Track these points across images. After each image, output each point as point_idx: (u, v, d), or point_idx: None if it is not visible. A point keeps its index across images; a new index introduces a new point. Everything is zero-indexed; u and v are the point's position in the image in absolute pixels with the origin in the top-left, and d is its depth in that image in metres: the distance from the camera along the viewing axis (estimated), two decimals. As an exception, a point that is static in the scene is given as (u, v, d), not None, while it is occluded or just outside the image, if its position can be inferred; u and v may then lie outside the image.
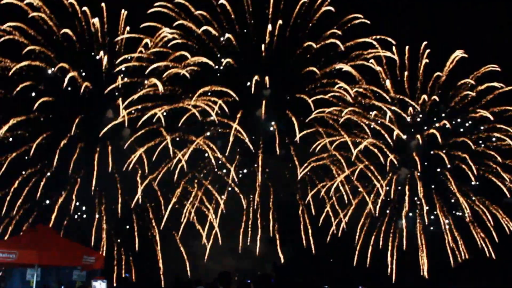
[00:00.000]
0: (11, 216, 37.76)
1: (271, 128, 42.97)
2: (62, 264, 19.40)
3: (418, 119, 42.63)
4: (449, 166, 41.86)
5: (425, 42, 42.06)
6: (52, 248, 17.54)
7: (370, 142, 41.35)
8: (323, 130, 41.70)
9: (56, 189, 39.89)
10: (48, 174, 39.58)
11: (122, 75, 40.76)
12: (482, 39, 41.42)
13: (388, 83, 42.15)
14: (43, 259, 17.12)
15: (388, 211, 42.59)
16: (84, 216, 40.90)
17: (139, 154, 40.35)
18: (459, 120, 42.94)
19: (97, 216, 40.69)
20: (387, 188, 41.68)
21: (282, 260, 41.49)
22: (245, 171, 43.30)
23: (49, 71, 39.94)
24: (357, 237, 41.75)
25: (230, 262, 40.54)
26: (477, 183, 41.55)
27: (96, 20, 41.13)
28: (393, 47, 42.01)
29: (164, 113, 40.83)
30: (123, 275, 39.50)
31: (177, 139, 41.64)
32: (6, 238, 33.55)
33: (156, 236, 41.00)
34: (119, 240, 41.62)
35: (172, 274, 36.63)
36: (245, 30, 43.36)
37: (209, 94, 41.55)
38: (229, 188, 42.05)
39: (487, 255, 39.60)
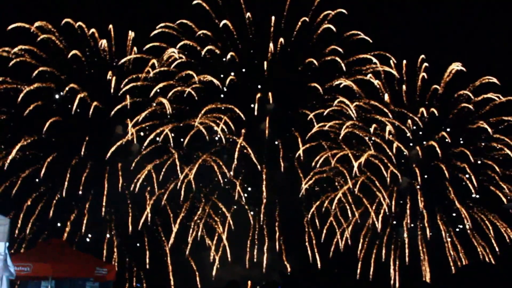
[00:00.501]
0: (25, 233, 37.75)
1: (276, 143, 43.10)
2: (75, 276, 19.44)
3: (418, 132, 42.54)
4: (448, 177, 41.73)
5: (422, 56, 42.10)
6: (65, 260, 17.70)
7: (370, 154, 41.41)
8: (325, 143, 41.77)
9: (68, 207, 39.86)
10: (59, 195, 39.60)
11: (130, 95, 40.77)
12: (478, 51, 41.47)
13: (387, 97, 42.18)
14: (57, 272, 17.28)
15: (389, 222, 42.44)
16: (96, 232, 40.70)
17: (147, 170, 40.47)
18: (457, 131, 42.78)
19: (108, 233, 40.66)
20: (389, 200, 41.63)
21: (289, 269, 41.53)
22: (250, 188, 43.21)
23: (60, 93, 39.89)
24: (360, 246, 41.65)
25: (239, 271, 40.62)
26: (477, 196, 41.34)
27: (104, 42, 41.29)
28: (391, 62, 42.06)
29: (172, 133, 41.05)
30: (135, 285, 39.59)
31: (185, 158, 41.81)
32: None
33: (166, 249, 40.99)
34: (129, 258, 41.57)
35: (183, 284, 36.76)
36: (250, 50, 43.48)
37: (214, 111, 41.70)
38: (235, 206, 42.02)
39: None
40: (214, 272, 41.15)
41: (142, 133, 41.41)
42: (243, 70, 43.09)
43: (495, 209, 41.01)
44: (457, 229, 41.97)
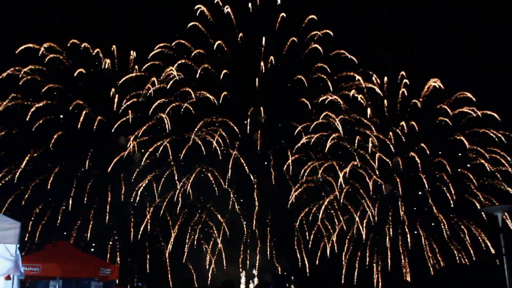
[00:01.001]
0: (35, 239, 38.10)
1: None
2: (81, 276, 19.73)
3: (399, 143, 42.92)
4: (427, 186, 42.18)
5: (402, 72, 42.57)
6: (72, 261, 18.03)
7: (354, 165, 41.93)
8: (313, 154, 42.35)
9: (74, 214, 40.27)
10: (65, 203, 40.05)
11: (131, 110, 41.28)
12: (454, 68, 41.96)
13: (369, 111, 42.66)
14: (64, 272, 17.60)
15: (373, 228, 42.84)
16: (100, 237, 41.07)
17: (147, 181, 41.00)
18: (435, 143, 43.15)
19: (111, 238, 41.10)
20: (372, 208, 42.12)
21: (279, 271, 42.02)
22: (243, 196, 43.69)
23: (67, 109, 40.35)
24: (345, 250, 42.08)
25: (233, 272, 41.12)
26: (454, 204, 41.70)
27: (108, 61, 41.74)
28: (374, 79, 42.57)
29: (170, 145, 41.65)
30: (136, 285, 39.96)
31: (182, 169, 42.31)
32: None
33: (165, 252, 41.42)
34: (131, 261, 41.88)
35: (181, 284, 37.13)
36: (243, 68, 43.90)
37: (210, 125, 42.22)
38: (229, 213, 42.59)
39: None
40: (210, 273, 41.58)
41: (142, 147, 41.91)
42: (236, 86, 43.47)
43: (470, 215, 41.35)
44: (436, 233, 42.31)
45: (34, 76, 40.12)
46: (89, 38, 41.66)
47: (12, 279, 11.65)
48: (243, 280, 43.06)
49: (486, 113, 42.30)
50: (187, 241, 41.99)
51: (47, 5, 41.65)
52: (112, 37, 42.47)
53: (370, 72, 43.22)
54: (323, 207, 42.44)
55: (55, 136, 39.62)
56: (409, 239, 42.42)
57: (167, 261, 41.71)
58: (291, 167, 42.59)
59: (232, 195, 42.60)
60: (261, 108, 43.31)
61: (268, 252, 43.18)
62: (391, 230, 43.08)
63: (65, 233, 40.11)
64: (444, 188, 42.09)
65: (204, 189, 43.06)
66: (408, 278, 41.78)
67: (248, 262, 43.20)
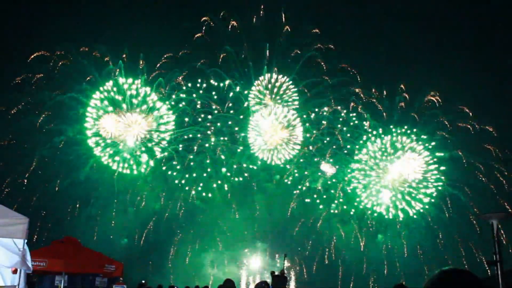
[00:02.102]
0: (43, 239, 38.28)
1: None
2: (86, 272, 19.62)
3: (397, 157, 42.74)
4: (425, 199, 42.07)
5: (401, 86, 42.46)
6: (77, 257, 18.05)
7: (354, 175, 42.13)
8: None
9: (81, 215, 40.51)
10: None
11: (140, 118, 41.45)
12: (453, 83, 41.75)
13: (367, 123, 42.69)
14: (70, 267, 17.56)
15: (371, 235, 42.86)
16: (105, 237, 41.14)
17: (154, 185, 41.39)
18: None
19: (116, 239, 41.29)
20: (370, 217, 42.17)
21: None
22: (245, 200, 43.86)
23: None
24: (342, 257, 42.07)
25: (234, 272, 41.25)
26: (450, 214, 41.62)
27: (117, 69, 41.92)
28: (373, 91, 42.58)
29: (176, 153, 41.92)
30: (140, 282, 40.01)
31: (188, 176, 42.56)
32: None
33: (169, 252, 41.68)
34: (136, 259, 42.01)
35: (183, 282, 37.20)
36: (247, 78, 44.06)
37: (215, 132, 42.41)
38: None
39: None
40: (212, 272, 41.75)
41: (149, 153, 42.12)
42: (241, 95, 43.57)
43: (464, 225, 41.13)
44: (433, 245, 42.16)
45: (46, 82, 40.30)
46: (100, 46, 41.84)
47: (19, 273, 11.54)
48: (243, 280, 43.27)
49: (483, 127, 42.07)
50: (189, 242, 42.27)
51: (60, 14, 41.80)
52: (122, 46, 42.64)
53: (369, 85, 43.31)
54: (322, 216, 42.54)
55: (63, 140, 39.92)
56: (405, 249, 42.28)
57: (170, 260, 41.93)
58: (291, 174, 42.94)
59: (233, 203, 42.80)
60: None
61: (268, 253, 43.23)
62: (388, 239, 42.98)
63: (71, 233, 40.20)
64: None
65: (208, 195, 43.22)
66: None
67: (247, 262, 43.48)
